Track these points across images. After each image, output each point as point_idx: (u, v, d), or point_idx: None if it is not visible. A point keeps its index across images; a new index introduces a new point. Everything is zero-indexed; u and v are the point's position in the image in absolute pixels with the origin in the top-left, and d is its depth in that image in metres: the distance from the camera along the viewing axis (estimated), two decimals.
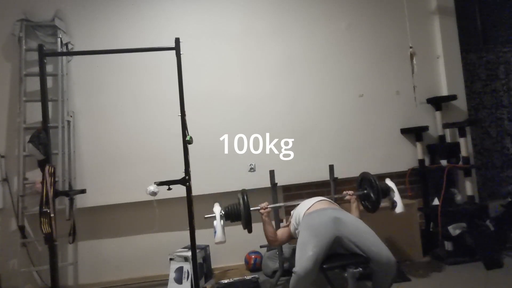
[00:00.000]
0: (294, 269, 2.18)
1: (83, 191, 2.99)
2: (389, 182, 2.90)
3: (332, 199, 2.88)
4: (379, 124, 3.87)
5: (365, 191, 2.87)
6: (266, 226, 2.67)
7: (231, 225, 3.24)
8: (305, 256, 2.20)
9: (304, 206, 2.65)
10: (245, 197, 2.64)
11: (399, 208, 2.80)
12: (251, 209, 2.62)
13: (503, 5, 4.45)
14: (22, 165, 3.35)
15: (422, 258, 3.42)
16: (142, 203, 3.42)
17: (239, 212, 2.62)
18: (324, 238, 2.28)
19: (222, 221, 2.59)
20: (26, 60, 3.45)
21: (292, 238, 2.80)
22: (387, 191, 2.85)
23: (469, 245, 3.34)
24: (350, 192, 2.86)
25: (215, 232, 2.56)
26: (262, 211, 2.69)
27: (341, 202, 2.98)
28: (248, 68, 3.77)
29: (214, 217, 2.60)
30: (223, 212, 2.63)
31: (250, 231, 2.65)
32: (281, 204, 3.07)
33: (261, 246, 3.38)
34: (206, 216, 2.63)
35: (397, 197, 2.82)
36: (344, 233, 2.32)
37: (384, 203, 2.83)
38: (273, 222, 3.08)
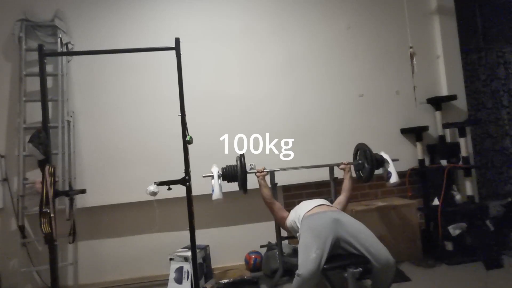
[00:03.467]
0: (298, 272, 2.17)
1: (83, 191, 2.99)
2: (384, 154, 2.97)
3: (330, 200, 2.90)
4: (379, 124, 3.87)
5: (360, 161, 2.96)
6: (263, 189, 2.90)
7: (231, 225, 3.22)
8: (308, 258, 2.20)
9: (305, 208, 2.67)
10: (242, 160, 2.85)
11: (393, 178, 2.88)
12: (248, 171, 2.86)
13: (503, 5, 4.45)
14: (22, 165, 3.34)
15: (422, 258, 3.42)
16: (142, 203, 3.42)
17: (236, 173, 2.82)
18: (326, 239, 2.28)
19: (219, 180, 2.81)
20: (26, 60, 3.45)
21: (284, 223, 2.87)
22: (382, 162, 2.94)
23: (469, 245, 3.35)
24: (345, 161, 3.05)
25: (212, 190, 2.77)
26: (258, 174, 2.92)
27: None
28: (248, 68, 3.77)
29: (212, 177, 2.80)
30: (221, 172, 2.84)
31: (245, 191, 2.90)
32: (277, 169, 3.16)
33: (261, 246, 3.39)
34: (204, 175, 2.83)
35: (391, 168, 2.92)
36: (344, 235, 2.33)
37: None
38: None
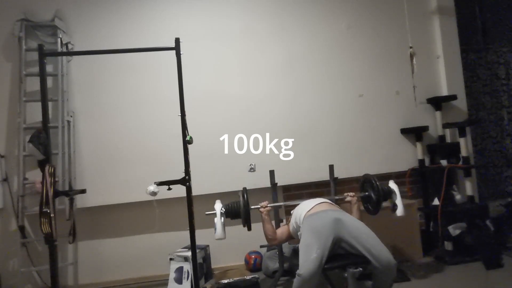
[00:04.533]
0: (299, 272, 2.15)
1: (83, 191, 2.99)
2: (392, 184, 2.87)
3: (332, 200, 2.88)
4: (379, 124, 3.87)
5: (367, 193, 2.85)
6: (266, 225, 2.72)
7: (231, 225, 3.23)
8: (309, 258, 2.18)
9: (305, 207, 2.64)
10: (245, 195, 2.69)
11: (399, 212, 2.79)
12: (251, 207, 2.68)
13: (503, 5, 4.45)
14: (22, 165, 3.35)
15: (422, 258, 3.41)
16: (142, 203, 3.42)
17: (239, 209, 2.67)
18: (326, 239, 2.27)
19: (222, 218, 2.66)
20: (26, 60, 3.45)
21: (291, 238, 2.81)
22: (389, 194, 2.83)
23: (469, 245, 3.34)
24: (351, 193, 2.86)
25: (215, 228, 2.64)
26: (262, 209, 2.73)
27: (341, 202, 2.98)
28: (248, 68, 3.76)
29: (215, 214, 2.66)
30: (224, 210, 2.69)
31: (249, 228, 2.69)
32: (281, 203, 3.10)
33: (261, 246, 3.38)
34: (207, 212, 2.69)
35: (398, 200, 2.80)
36: (345, 235, 2.32)
37: (385, 204, 2.83)
38: (273, 222, 3.07)
